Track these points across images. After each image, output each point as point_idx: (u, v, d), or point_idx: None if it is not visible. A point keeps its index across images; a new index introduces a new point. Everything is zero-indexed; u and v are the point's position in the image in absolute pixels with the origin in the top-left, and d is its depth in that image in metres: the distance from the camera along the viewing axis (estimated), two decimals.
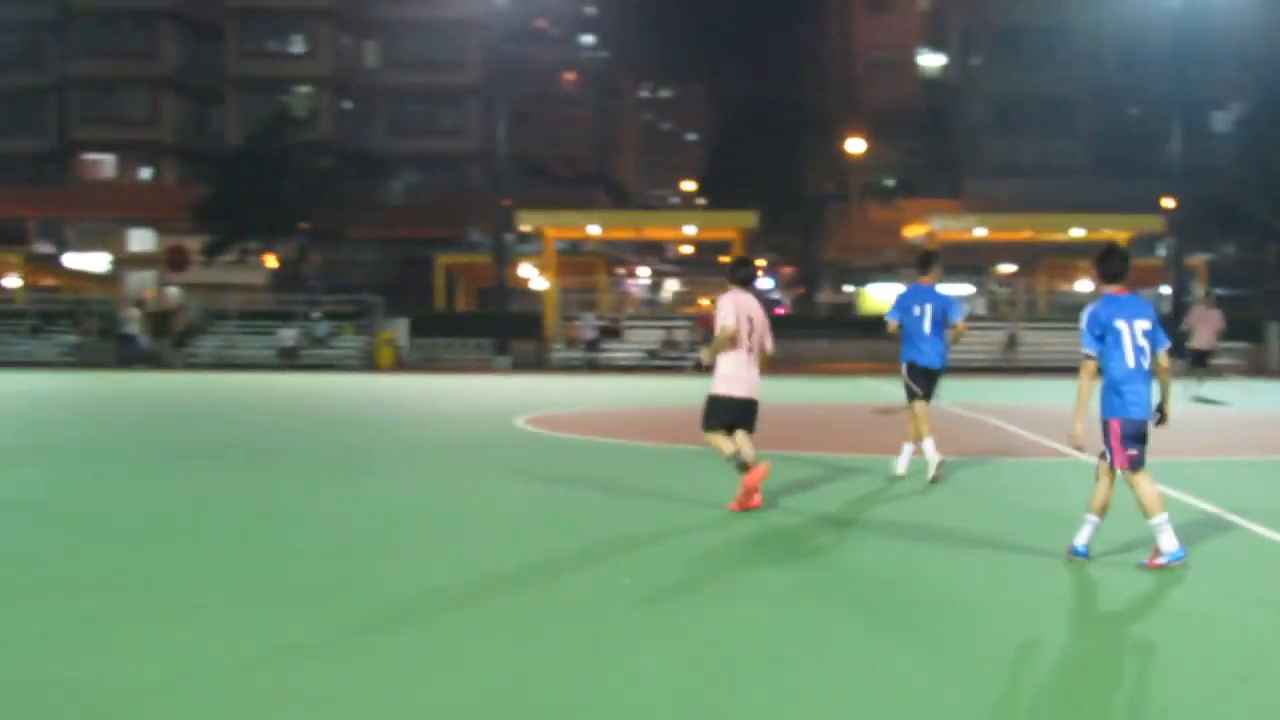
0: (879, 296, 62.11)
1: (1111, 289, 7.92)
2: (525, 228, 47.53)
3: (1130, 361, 7.70)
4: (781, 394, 25.42)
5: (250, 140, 57.82)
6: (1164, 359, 7.87)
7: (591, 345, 43.70)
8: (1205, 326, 24.76)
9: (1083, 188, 63.56)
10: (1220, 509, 10.19)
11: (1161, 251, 53.10)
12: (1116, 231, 45.23)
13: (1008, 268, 59.07)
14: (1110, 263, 7.99)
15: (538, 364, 44.45)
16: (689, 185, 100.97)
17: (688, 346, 41.90)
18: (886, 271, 64.41)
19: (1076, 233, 46.20)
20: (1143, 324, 7.75)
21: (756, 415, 10.52)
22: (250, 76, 73.39)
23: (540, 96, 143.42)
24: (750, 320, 10.30)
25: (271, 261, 59.77)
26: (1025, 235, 49.24)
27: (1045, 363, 42.21)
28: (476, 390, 30.09)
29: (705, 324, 43.16)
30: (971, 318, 38.34)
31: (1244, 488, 12.27)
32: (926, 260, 12.80)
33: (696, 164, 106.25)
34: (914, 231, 48.21)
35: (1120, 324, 7.73)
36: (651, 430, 18.80)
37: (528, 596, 7.18)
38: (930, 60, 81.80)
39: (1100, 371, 7.87)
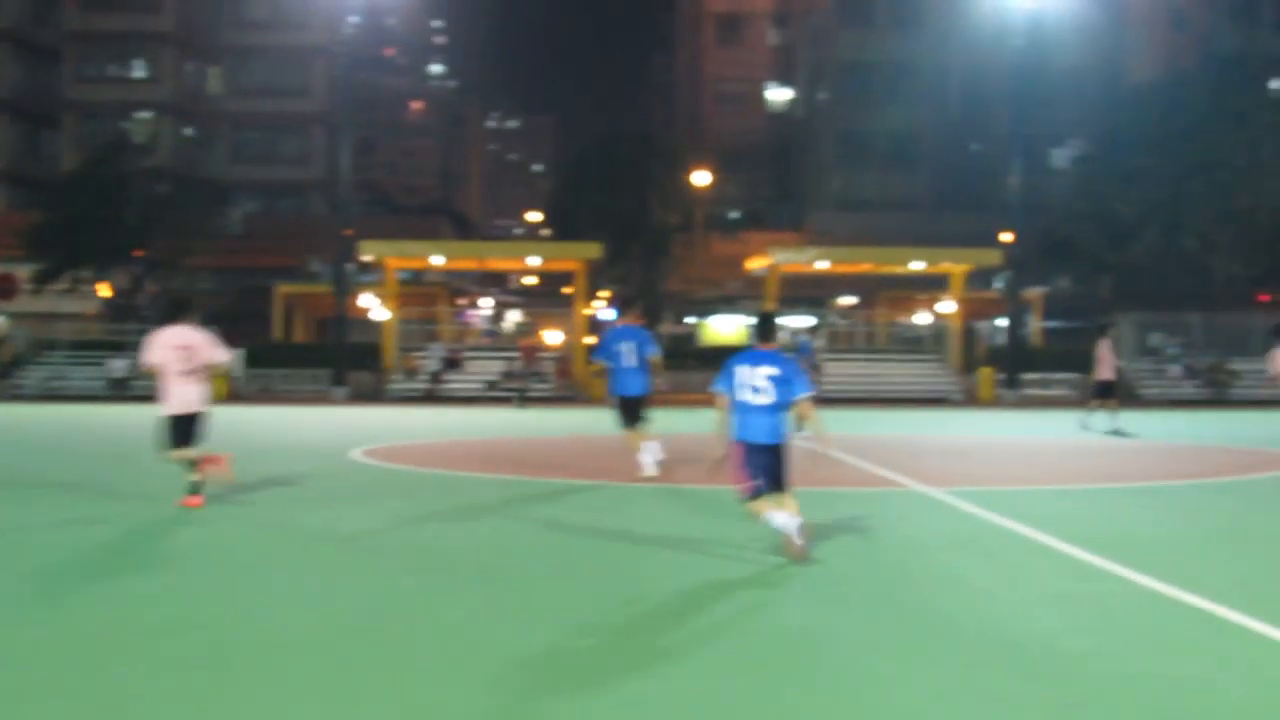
0: (720, 328, 62.48)
1: (762, 346, 9.45)
2: (367, 257, 46.91)
3: (741, 398, 9.27)
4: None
5: (86, 166, 56.09)
6: (804, 405, 9.32)
7: (435, 376, 43.20)
8: (1108, 359, 25.64)
9: (925, 222, 64.77)
10: (1051, 537, 10.19)
11: (999, 284, 54.19)
12: (956, 265, 46.05)
13: (848, 300, 59.80)
14: (761, 328, 9.60)
15: (375, 395, 43.77)
16: (534, 216, 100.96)
17: (526, 378, 41.59)
18: (728, 304, 64.84)
19: (916, 266, 46.95)
20: (766, 370, 9.24)
21: (194, 425, 12.15)
22: (88, 101, 71.50)
23: (386, 125, 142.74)
24: (185, 348, 12.03)
25: (105, 290, 58.16)
26: (866, 268, 49.90)
27: (882, 393, 42.72)
28: (312, 422, 29.40)
29: (527, 354, 43.00)
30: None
31: (1078, 517, 12.32)
32: (627, 302, 15.58)
33: (542, 195, 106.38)
34: (756, 264, 48.55)
35: (740, 369, 9.32)
36: (494, 462, 18.47)
37: (371, 631, 6.87)
38: (778, 94, 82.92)
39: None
